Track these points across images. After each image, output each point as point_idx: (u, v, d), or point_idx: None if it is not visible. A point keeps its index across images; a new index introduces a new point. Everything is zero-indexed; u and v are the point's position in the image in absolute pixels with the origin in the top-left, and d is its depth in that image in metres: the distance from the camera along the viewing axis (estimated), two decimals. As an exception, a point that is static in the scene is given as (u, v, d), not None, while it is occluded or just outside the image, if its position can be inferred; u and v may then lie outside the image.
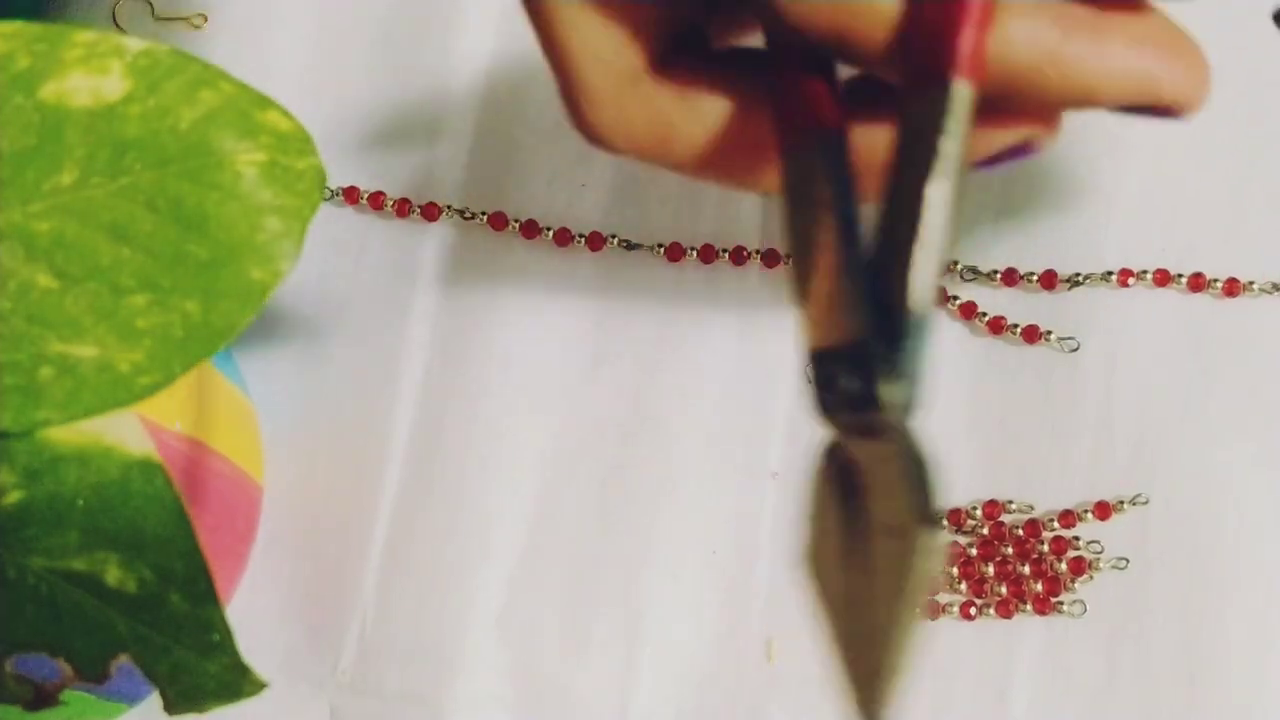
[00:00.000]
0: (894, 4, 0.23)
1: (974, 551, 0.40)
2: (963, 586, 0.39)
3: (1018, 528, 0.40)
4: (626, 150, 0.28)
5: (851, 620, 0.23)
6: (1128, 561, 0.39)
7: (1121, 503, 0.40)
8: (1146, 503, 0.39)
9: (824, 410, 0.24)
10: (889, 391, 0.23)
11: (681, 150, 0.27)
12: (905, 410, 0.23)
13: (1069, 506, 0.40)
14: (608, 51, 0.26)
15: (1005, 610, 0.39)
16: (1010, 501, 0.40)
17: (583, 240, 0.42)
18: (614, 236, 0.42)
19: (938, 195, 0.22)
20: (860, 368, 0.23)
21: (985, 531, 0.40)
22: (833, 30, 0.24)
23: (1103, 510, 0.39)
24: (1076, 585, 0.39)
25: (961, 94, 0.23)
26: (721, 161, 0.27)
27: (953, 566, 0.40)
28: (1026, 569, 0.39)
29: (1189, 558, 0.39)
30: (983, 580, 0.39)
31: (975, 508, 0.40)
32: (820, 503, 0.24)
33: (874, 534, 0.23)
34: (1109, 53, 0.24)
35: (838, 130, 0.25)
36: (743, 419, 0.41)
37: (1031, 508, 0.40)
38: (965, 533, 0.40)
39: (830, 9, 0.24)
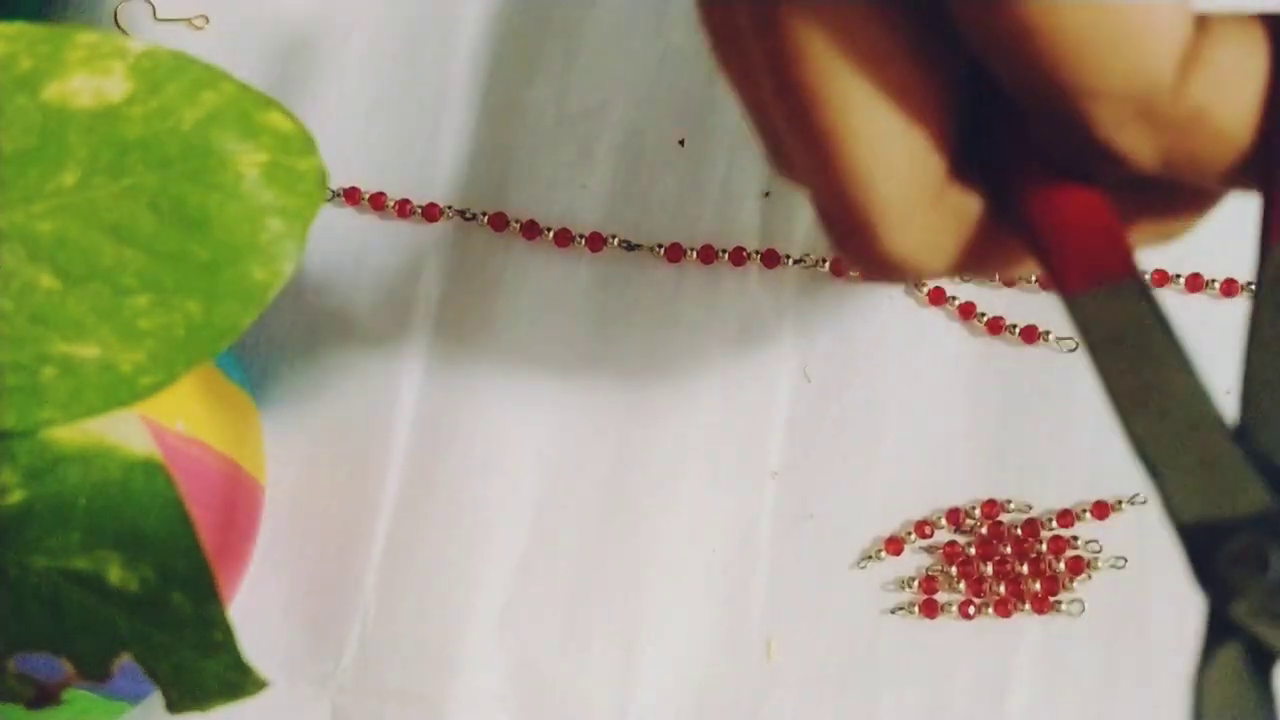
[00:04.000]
0: (1242, 118, 0.20)
1: (972, 551, 0.40)
2: (961, 586, 0.40)
3: (1016, 527, 0.40)
4: (928, 274, 0.23)
5: None
6: (1126, 561, 0.39)
7: (1120, 502, 0.40)
8: (1145, 503, 0.39)
9: (1231, 591, 0.21)
10: None
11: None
12: None
13: (1068, 506, 0.40)
14: (910, 165, 0.21)
15: (1004, 609, 0.39)
16: (1009, 501, 0.40)
17: (583, 241, 0.43)
18: (614, 237, 0.43)
19: None
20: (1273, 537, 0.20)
21: (984, 530, 0.40)
22: (1177, 161, 0.20)
23: (1101, 510, 0.39)
24: (1075, 585, 0.39)
25: None
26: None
27: (952, 566, 0.40)
28: (1025, 568, 0.39)
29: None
30: (981, 579, 0.40)
31: (974, 507, 0.40)
32: (1224, 696, 0.22)
33: None
34: None
35: (1144, 276, 0.21)
36: (743, 419, 0.41)
37: (1030, 507, 0.40)
38: (964, 532, 0.40)
39: (1174, 136, 0.20)
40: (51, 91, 0.27)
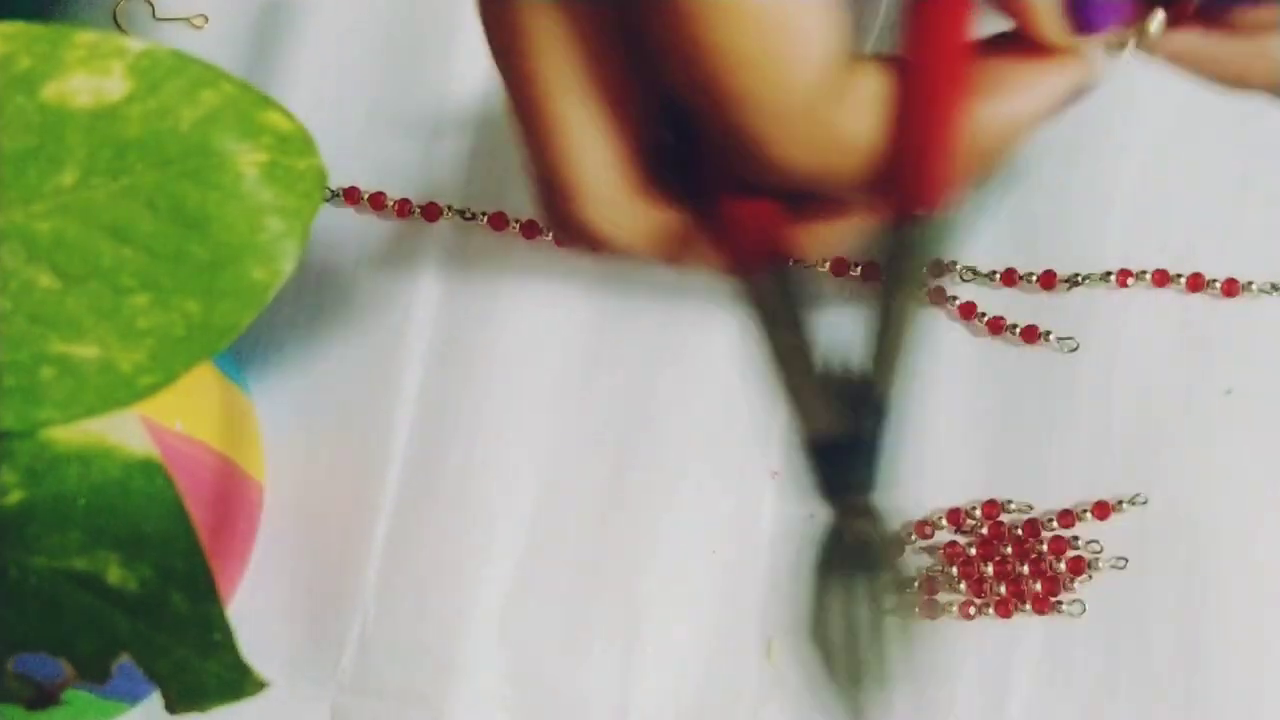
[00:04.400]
0: (872, 141, 0.24)
1: (973, 551, 0.40)
2: (962, 586, 0.39)
3: (1017, 527, 0.40)
4: (618, 251, 0.28)
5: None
6: (1126, 561, 0.39)
7: (1120, 502, 0.40)
8: (1145, 503, 0.39)
9: (823, 494, 0.28)
10: (875, 469, 0.27)
11: (655, 249, 0.28)
12: (879, 490, 0.27)
13: (1068, 506, 0.40)
14: (604, 150, 0.26)
15: (1004, 610, 0.39)
16: (1009, 501, 0.40)
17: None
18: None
19: (913, 309, 0.26)
20: (856, 449, 0.27)
21: (984, 531, 0.40)
22: (816, 172, 0.25)
23: (1101, 510, 0.39)
24: (1076, 585, 0.39)
25: (937, 222, 0.25)
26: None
27: (952, 566, 0.40)
28: (1025, 569, 0.39)
29: (1188, 558, 0.39)
30: (982, 580, 0.39)
31: (974, 508, 0.40)
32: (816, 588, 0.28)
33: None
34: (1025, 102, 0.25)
35: (787, 257, 0.27)
36: (743, 419, 0.41)
37: (1030, 507, 0.40)
38: (964, 532, 0.40)
39: (813, 150, 0.24)
40: (50, 91, 0.27)
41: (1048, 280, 0.41)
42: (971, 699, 0.39)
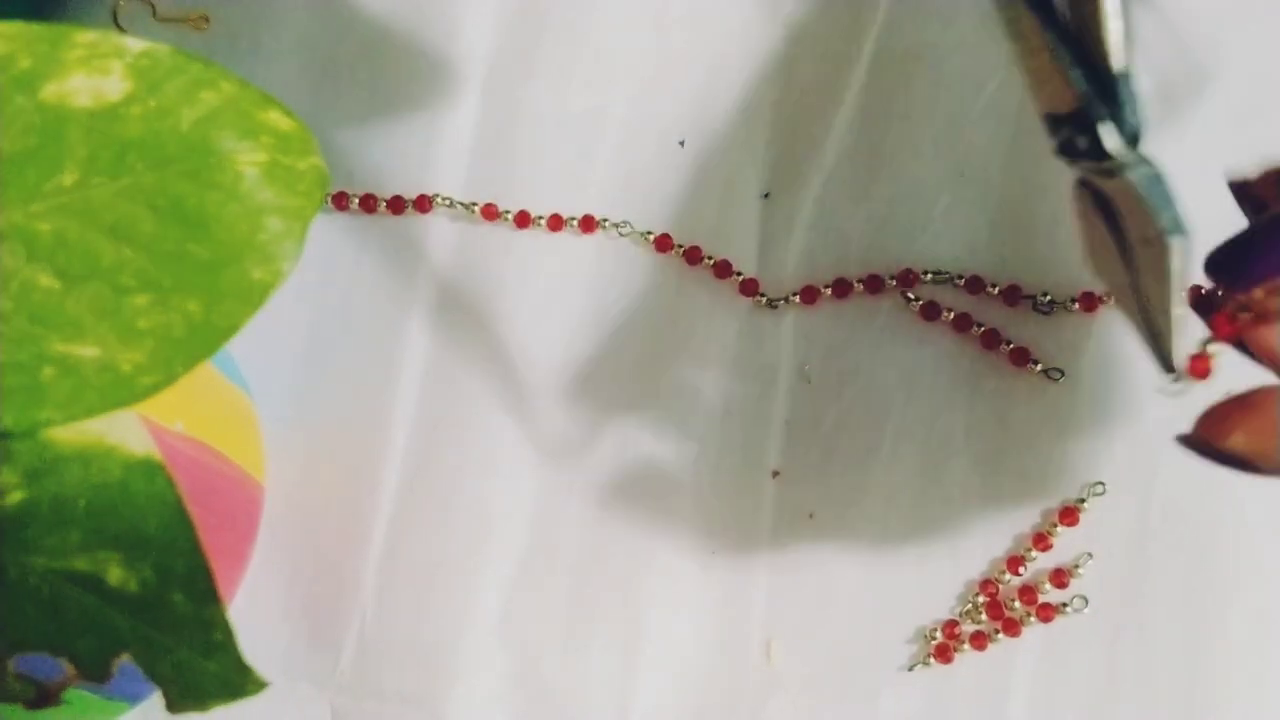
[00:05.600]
0: None
1: (970, 626, 0.40)
2: (966, 647, 0.40)
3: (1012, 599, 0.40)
4: None
5: (1130, 303, 0.30)
6: (1086, 601, 0.39)
7: (1082, 501, 0.40)
8: (1103, 493, 0.39)
9: (1068, 160, 0.29)
10: (1113, 142, 0.28)
11: None
12: (1131, 149, 0.28)
13: (1068, 505, 0.40)
14: None
15: (1013, 630, 0.39)
16: (1003, 573, 0.40)
17: (575, 223, 0.43)
18: (613, 224, 0.43)
19: None
20: (1087, 129, 0.28)
21: (982, 602, 0.40)
22: None
23: (1069, 515, 0.39)
24: (1079, 572, 0.39)
25: None
26: None
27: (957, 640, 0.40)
28: (1015, 607, 0.40)
29: (1189, 557, 0.39)
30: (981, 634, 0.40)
31: (977, 594, 0.40)
32: (1087, 220, 0.30)
33: (1134, 245, 0.29)
34: None
35: None
36: (743, 419, 0.41)
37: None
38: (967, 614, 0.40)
39: None
40: (50, 91, 0.27)
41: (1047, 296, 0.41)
42: (972, 698, 0.39)
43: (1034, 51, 0.28)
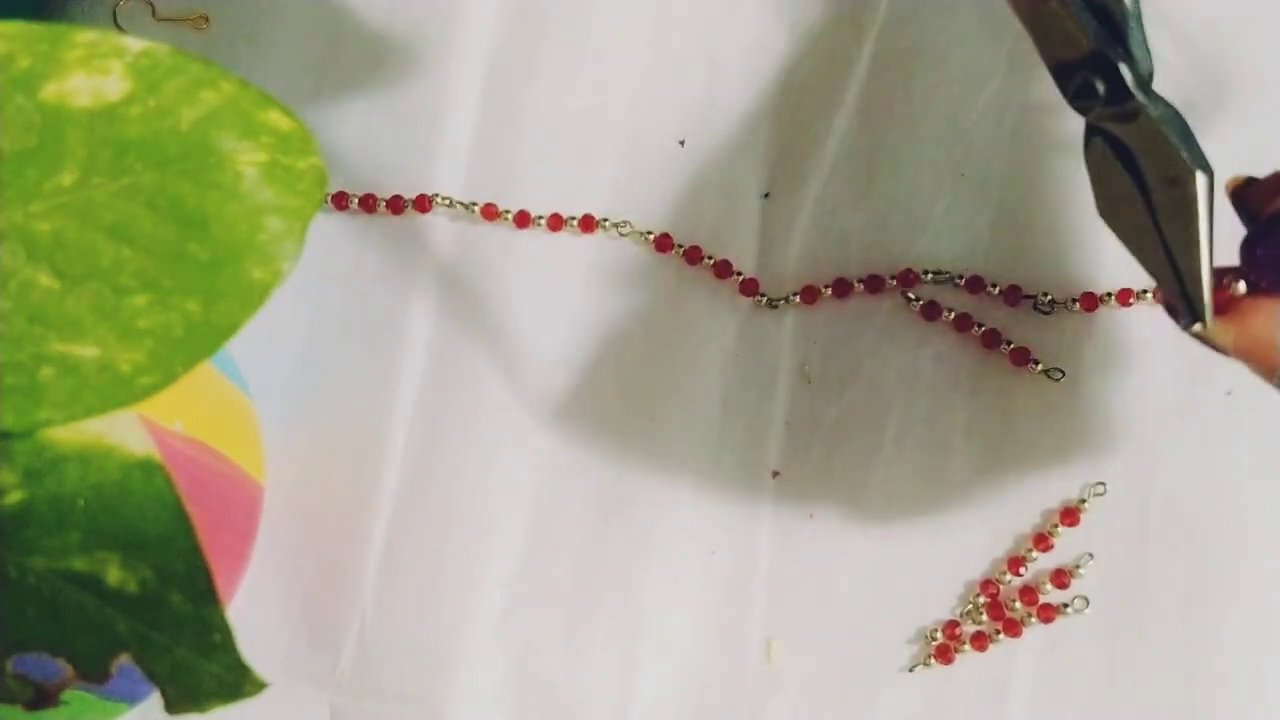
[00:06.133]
0: None
1: (972, 626, 0.40)
2: (966, 648, 0.40)
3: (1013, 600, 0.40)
4: None
5: (1153, 250, 0.29)
6: (1087, 601, 0.39)
7: (1083, 500, 0.40)
8: (1104, 493, 0.39)
9: (1083, 111, 0.29)
10: (1133, 80, 0.28)
11: None
12: (1148, 86, 0.28)
13: (1069, 505, 0.40)
14: None
15: (1014, 630, 0.39)
16: (1003, 576, 0.40)
17: (575, 223, 0.43)
18: (613, 223, 0.43)
19: None
20: (1103, 71, 0.28)
21: (983, 603, 0.40)
22: None
23: (1069, 516, 0.39)
24: (1080, 573, 0.39)
25: None
26: None
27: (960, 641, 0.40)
28: (1016, 608, 0.39)
29: (1189, 558, 0.39)
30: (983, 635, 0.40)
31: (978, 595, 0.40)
32: (1102, 170, 0.30)
33: (1155, 188, 0.29)
34: None
35: None
36: (743, 419, 0.41)
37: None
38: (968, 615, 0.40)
39: None
40: (50, 91, 0.27)
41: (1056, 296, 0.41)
42: (972, 698, 0.39)
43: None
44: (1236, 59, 0.41)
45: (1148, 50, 0.29)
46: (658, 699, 0.40)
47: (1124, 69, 0.28)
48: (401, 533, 0.41)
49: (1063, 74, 0.29)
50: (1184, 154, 0.28)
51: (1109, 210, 0.31)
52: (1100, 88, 0.29)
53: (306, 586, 0.41)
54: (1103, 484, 0.40)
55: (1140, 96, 0.28)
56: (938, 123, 0.42)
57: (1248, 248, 0.29)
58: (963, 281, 0.41)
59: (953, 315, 0.41)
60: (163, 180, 0.27)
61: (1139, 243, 0.30)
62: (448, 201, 0.43)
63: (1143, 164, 0.29)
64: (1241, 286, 0.29)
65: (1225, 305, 0.28)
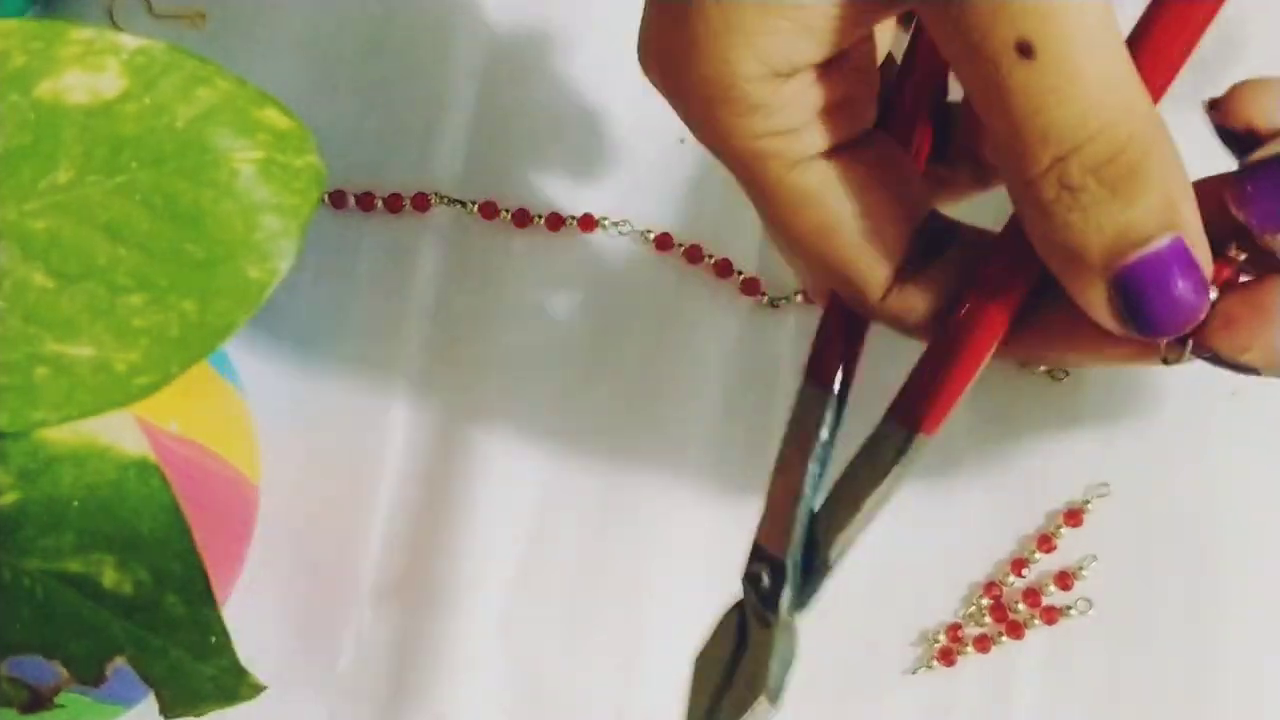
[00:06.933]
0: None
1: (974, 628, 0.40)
2: (969, 650, 0.39)
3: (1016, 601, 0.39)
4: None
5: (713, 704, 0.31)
6: (1091, 603, 0.39)
7: (1086, 502, 0.39)
8: (1107, 494, 0.39)
9: (745, 584, 0.31)
10: (786, 606, 0.30)
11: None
12: (787, 624, 0.30)
13: (1072, 506, 0.40)
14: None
15: (1017, 632, 0.39)
16: (1007, 577, 0.40)
17: (575, 222, 0.43)
18: (612, 222, 0.43)
19: (874, 506, 0.29)
20: (778, 578, 0.30)
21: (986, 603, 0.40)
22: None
23: (1073, 517, 0.39)
24: (1083, 574, 0.39)
25: (923, 444, 0.29)
26: None
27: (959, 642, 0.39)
28: (1019, 610, 0.39)
29: (1194, 559, 0.39)
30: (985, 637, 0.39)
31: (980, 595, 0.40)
32: (724, 627, 0.32)
33: (738, 677, 0.31)
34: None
35: (844, 395, 0.30)
36: (744, 419, 0.41)
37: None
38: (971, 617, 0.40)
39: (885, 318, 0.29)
40: (45, 88, 0.27)
41: None
42: (974, 699, 0.39)
43: (784, 491, 0.30)
44: (1250, 14, 0.41)
45: (810, 605, 0.30)
46: (658, 699, 0.40)
47: (787, 594, 0.30)
48: (399, 533, 0.41)
49: (754, 553, 0.30)
50: (772, 678, 0.29)
51: (704, 650, 0.32)
52: (765, 587, 0.30)
53: (304, 588, 0.41)
54: (1106, 485, 0.40)
55: (783, 619, 0.30)
56: (940, 121, 0.42)
57: (1237, 185, 0.26)
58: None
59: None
60: (159, 178, 0.27)
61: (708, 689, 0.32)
62: (446, 200, 0.43)
63: (747, 646, 0.31)
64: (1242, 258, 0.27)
65: (1232, 287, 0.27)
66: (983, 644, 0.39)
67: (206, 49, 0.42)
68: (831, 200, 0.27)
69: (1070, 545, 0.40)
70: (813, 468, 0.29)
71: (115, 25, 0.46)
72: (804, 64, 0.25)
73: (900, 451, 0.29)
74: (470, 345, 0.42)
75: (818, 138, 0.26)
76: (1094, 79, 0.23)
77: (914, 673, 0.39)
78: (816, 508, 0.30)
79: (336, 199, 0.44)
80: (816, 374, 0.30)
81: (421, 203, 0.43)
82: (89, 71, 0.27)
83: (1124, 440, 0.40)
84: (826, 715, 0.39)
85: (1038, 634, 0.39)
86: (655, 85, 0.27)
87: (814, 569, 0.30)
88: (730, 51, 0.24)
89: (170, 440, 0.35)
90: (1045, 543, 0.39)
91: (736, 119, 0.25)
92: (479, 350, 0.42)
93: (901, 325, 0.29)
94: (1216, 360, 0.27)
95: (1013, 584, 0.40)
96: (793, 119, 0.26)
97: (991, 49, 0.23)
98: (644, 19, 0.26)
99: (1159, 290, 0.24)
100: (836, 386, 0.30)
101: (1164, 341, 0.26)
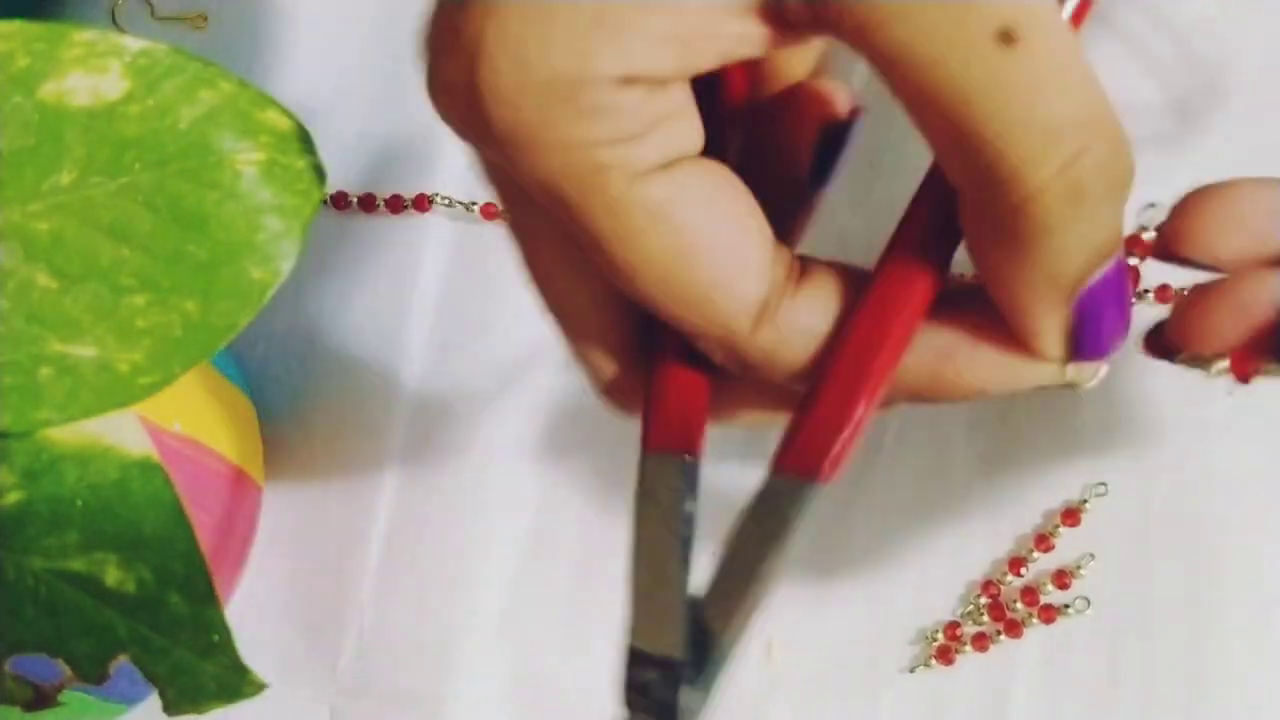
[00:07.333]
0: (806, 361, 0.24)
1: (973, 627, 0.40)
2: (967, 649, 0.39)
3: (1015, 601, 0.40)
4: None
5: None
6: (1088, 602, 0.39)
7: (1084, 502, 0.39)
8: (1105, 493, 0.39)
9: (626, 702, 0.26)
10: (690, 707, 0.25)
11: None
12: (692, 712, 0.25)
13: (1070, 505, 0.40)
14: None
15: (1015, 631, 0.39)
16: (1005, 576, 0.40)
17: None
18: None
19: (774, 572, 0.25)
20: (672, 681, 0.25)
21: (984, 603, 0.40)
22: (752, 372, 0.25)
23: (1070, 516, 0.39)
24: (1081, 573, 0.39)
25: (820, 493, 0.25)
26: None
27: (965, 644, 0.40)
28: (1017, 608, 0.39)
29: (1191, 558, 0.39)
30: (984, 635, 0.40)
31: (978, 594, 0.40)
32: None
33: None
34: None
35: (697, 459, 0.26)
36: (743, 419, 0.41)
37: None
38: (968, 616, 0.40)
39: (750, 362, 0.24)
40: (48, 90, 0.27)
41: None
42: (972, 700, 0.39)
43: (650, 579, 0.26)
44: (1232, 58, 0.41)
45: (714, 697, 0.25)
46: (658, 700, 0.40)
47: (685, 691, 0.25)
48: (401, 533, 0.41)
49: (631, 659, 0.26)
50: None
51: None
52: (661, 694, 0.25)
53: (305, 587, 0.41)
54: (1104, 484, 0.40)
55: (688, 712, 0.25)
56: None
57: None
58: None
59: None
60: (161, 180, 0.27)
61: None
62: (447, 201, 0.43)
63: None
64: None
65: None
66: (981, 643, 0.39)
67: (209, 51, 0.42)
68: (684, 214, 0.23)
69: (1068, 544, 0.40)
70: (681, 549, 0.26)
71: (118, 27, 0.46)
72: (673, 76, 0.22)
73: (800, 507, 0.25)
74: (470, 345, 0.42)
75: (660, 147, 0.22)
76: (1081, 68, 0.20)
77: (912, 671, 0.39)
78: (694, 591, 0.25)
79: (338, 200, 0.44)
80: (663, 438, 0.26)
81: (422, 203, 0.43)
82: (92, 73, 0.27)
83: (1121, 440, 0.40)
84: (825, 713, 0.39)
85: (1036, 633, 0.39)
86: (451, 88, 0.24)
87: (710, 660, 0.25)
88: (593, 45, 0.21)
89: (173, 440, 0.35)
90: (1043, 542, 0.40)
91: (575, 123, 0.22)
92: (479, 350, 0.42)
93: (772, 366, 0.24)
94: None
95: (1011, 583, 0.40)
96: (634, 125, 0.22)
97: (966, 41, 0.20)
98: (448, 14, 0.23)
99: (1115, 307, 0.23)
100: (689, 451, 0.26)
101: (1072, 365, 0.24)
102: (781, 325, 0.24)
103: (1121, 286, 0.23)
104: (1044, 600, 0.39)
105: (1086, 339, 0.23)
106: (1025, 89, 0.20)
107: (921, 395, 0.24)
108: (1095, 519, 0.40)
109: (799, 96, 0.26)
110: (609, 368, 0.27)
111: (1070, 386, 0.24)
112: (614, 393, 0.28)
